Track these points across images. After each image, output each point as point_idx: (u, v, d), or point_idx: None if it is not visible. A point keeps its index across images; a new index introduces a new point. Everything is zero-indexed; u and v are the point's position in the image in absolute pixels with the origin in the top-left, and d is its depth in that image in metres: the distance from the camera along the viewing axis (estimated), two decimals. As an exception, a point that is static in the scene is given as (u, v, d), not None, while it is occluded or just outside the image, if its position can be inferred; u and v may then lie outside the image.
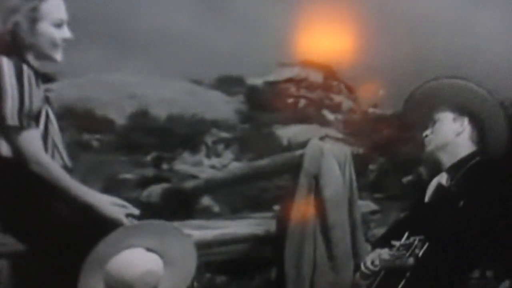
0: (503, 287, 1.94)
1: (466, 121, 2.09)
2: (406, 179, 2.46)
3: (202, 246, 2.32)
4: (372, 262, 2.08)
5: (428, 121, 2.12)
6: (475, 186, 2.03)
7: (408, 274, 1.96)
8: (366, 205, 2.68)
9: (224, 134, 2.75)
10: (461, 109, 2.10)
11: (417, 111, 2.19)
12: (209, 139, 2.67)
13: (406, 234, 2.04)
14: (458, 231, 1.97)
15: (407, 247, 2.00)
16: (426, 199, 2.10)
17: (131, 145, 2.55)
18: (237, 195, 2.69)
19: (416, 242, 1.98)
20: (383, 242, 2.14)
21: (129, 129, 2.61)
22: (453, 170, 2.10)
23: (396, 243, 2.03)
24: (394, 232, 2.15)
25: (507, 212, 2.00)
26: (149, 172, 2.59)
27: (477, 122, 2.11)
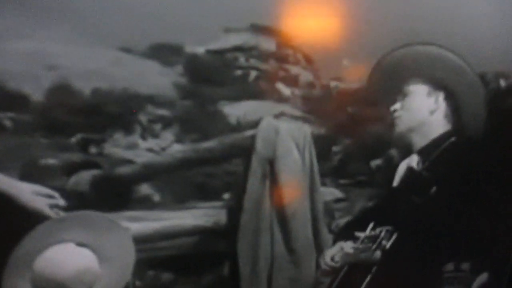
0: (480, 280, 2.07)
1: (441, 96, 2.17)
2: (375, 163, 2.57)
3: (142, 240, 2.39)
4: (332, 258, 2.17)
5: (397, 94, 2.18)
6: (449, 170, 2.14)
7: (374, 268, 2.06)
8: (329, 193, 2.79)
9: (162, 112, 2.75)
10: (436, 82, 2.16)
11: (384, 83, 2.25)
12: (144, 118, 2.66)
13: (371, 225, 2.14)
14: (430, 220, 2.08)
15: (373, 239, 2.09)
16: (395, 184, 2.19)
17: (52, 125, 2.52)
18: (180, 182, 2.74)
19: (383, 233, 2.07)
20: (346, 233, 2.23)
21: (49, 106, 2.58)
22: (425, 152, 2.18)
23: (361, 235, 2.12)
24: (359, 222, 2.24)
25: (485, 199, 2.12)
26: (75, 156, 2.58)
27: (453, 98, 2.18)
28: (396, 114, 2.16)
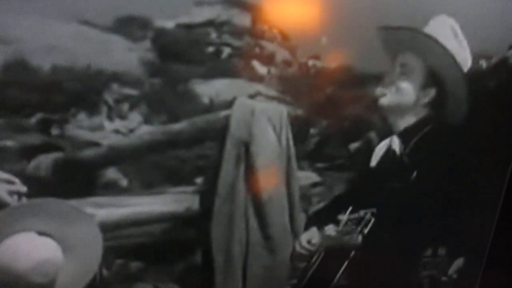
0: (456, 265, 2.15)
1: (433, 92, 2.26)
2: (354, 145, 2.61)
3: (109, 228, 2.41)
4: (309, 241, 2.24)
5: (395, 64, 2.23)
6: (430, 155, 2.21)
7: (352, 253, 2.13)
8: (306, 177, 2.83)
9: (129, 91, 2.74)
10: (433, 75, 2.25)
11: (384, 51, 2.31)
12: (109, 97, 2.65)
13: (350, 208, 2.19)
14: (409, 205, 2.15)
15: (357, 221, 2.16)
16: (372, 165, 2.26)
17: (9, 104, 2.50)
18: (150, 166, 2.76)
19: (368, 215, 2.14)
20: (321, 217, 2.30)
21: (4, 83, 2.55)
22: (406, 135, 2.27)
23: (343, 218, 2.19)
24: (335, 206, 2.30)
25: (464, 185, 2.19)
26: (35, 138, 2.56)
27: (442, 94, 2.28)
28: (388, 89, 2.22)
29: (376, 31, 2.37)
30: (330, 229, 2.22)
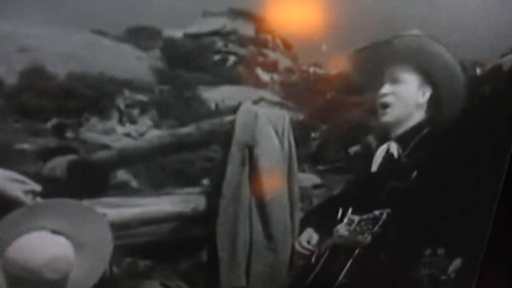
0: (454, 265, 2.12)
1: (429, 92, 2.24)
2: (353, 149, 2.60)
3: (119, 227, 2.40)
4: (308, 242, 2.22)
5: (382, 77, 2.21)
6: (427, 156, 2.19)
7: (356, 252, 2.11)
8: (307, 178, 2.82)
9: (139, 97, 2.73)
10: (424, 74, 2.23)
11: (369, 66, 2.29)
12: (121, 102, 2.65)
13: (350, 209, 2.17)
14: (409, 206, 2.12)
15: (372, 221, 2.13)
16: (372, 170, 2.24)
17: (26, 109, 2.50)
18: (158, 168, 2.75)
19: (384, 216, 2.12)
20: (315, 218, 2.28)
21: (22, 89, 2.55)
22: (403, 138, 2.25)
23: (355, 218, 2.17)
24: (332, 208, 2.28)
25: (460, 188, 2.17)
26: (51, 141, 2.57)
27: (438, 94, 2.25)
28: (387, 99, 2.21)
29: (358, 52, 2.36)
30: (343, 229, 2.20)
